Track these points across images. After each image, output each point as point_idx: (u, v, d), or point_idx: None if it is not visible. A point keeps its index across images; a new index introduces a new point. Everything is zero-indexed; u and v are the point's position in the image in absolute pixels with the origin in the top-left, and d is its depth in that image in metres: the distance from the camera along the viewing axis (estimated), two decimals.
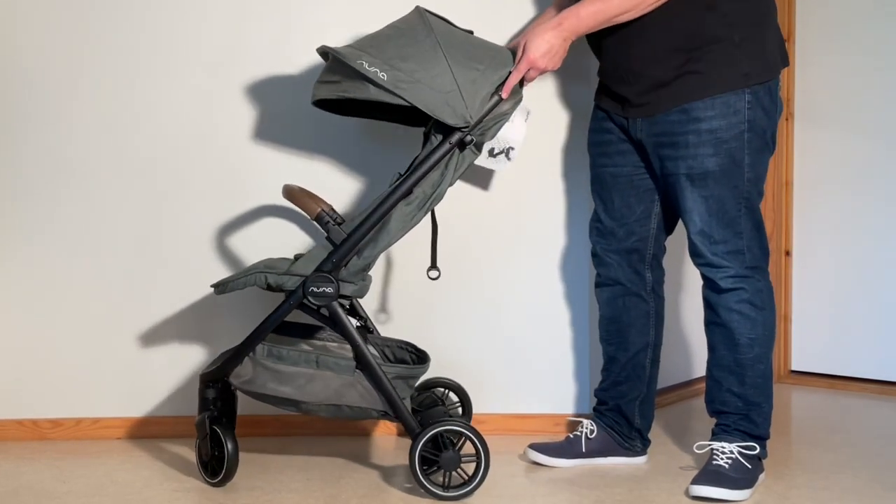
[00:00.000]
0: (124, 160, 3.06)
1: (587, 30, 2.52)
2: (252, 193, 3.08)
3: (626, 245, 2.75)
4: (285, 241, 3.07)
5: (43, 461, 2.87)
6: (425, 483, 2.52)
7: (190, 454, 2.91)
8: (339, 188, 3.05)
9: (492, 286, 3.12)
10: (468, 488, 2.53)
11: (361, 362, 2.54)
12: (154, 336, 3.09)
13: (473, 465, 2.53)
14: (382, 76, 2.44)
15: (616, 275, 2.77)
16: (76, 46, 3.03)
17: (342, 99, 2.55)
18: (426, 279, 3.08)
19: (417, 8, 2.63)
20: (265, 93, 3.07)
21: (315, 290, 2.51)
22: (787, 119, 3.84)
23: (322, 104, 2.68)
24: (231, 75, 3.06)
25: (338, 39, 2.95)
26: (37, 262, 3.06)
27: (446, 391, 2.98)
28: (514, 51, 2.58)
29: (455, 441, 2.58)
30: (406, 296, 3.11)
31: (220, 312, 3.07)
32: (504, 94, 2.52)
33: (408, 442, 3.02)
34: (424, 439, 2.51)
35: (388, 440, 3.08)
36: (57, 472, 2.77)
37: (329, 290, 2.51)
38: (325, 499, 2.55)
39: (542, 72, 2.55)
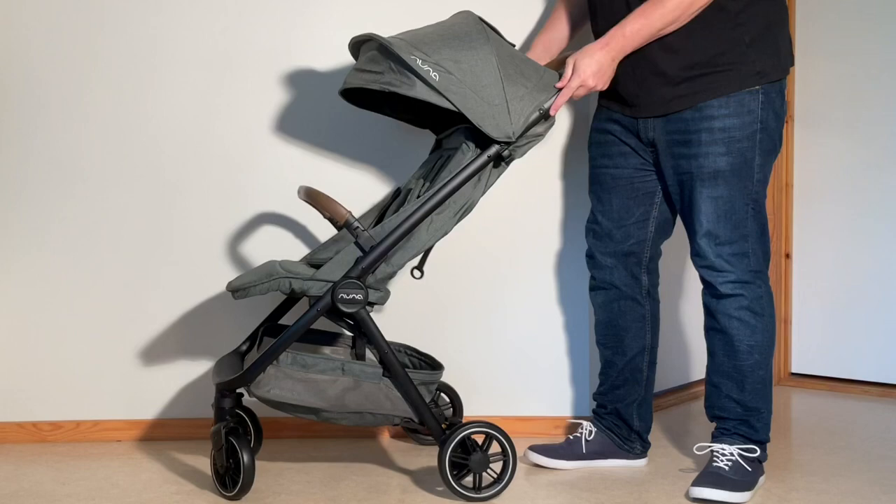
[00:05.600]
0: (126, 163, 3.06)
1: (633, 48, 2.51)
2: (256, 195, 3.08)
3: (622, 248, 2.75)
4: (288, 242, 3.08)
5: (43, 464, 2.87)
6: (457, 487, 2.51)
7: (190, 457, 2.91)
8: (342, 188, 3.05)
9: (491, 288, 3.12)
10: (499, 487, 2.54)
11: (389, 369, 2.51)
12: (155, 339, 3.09)
13: (501, 463, 2.54)
14: (434, 76, 2.41)
15: (611, 278, 2.77)
16: (78, 48, 3.04)
17: (382, 91, 2.51)
18: (424, 280, 3.08)
19: (471, 13, 2.60)
20: (268, 94, 3.07)
21: (345, 296, 2.47)
22: (787, 121, 3.85)
23: (346, 92, 2.65)
24: (234, 76, 3.06)
25: (339, 39, 2.95)
26: (38, 264, 3.06)
27: (437, 392, 2.98)
28: (559, 72, 2.57)
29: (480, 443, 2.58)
30: (405, 298, 3.11)
31: (220, 315, 3.08)
32: (553, 112, 2.51)
33: (406, 444, 3.03)
34: (454, 444, 2.51)
35: (386, 442, 3.08)
36: (57, 475, 2.77)
37: (359, 296, 2.47)
38: (324, 501, 2.54)
39: (591, 90, 2.54)
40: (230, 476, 2.53)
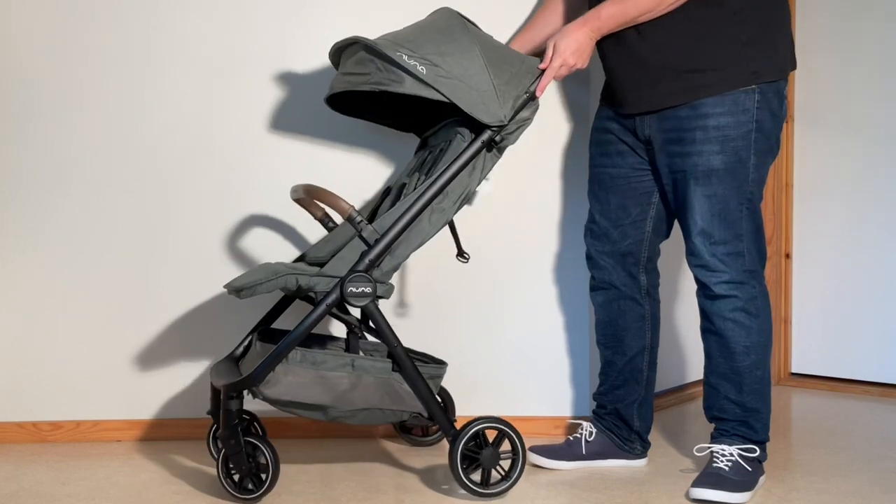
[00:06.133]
0: (125, 162, 3.06)
1: (609, 30, 2.56)
2: (254, 196, 3.08)
3: (620, 248, 2.75)
4: (286, 243, 3.08)
5: (43, 464, 2.87)
6: (466, 482, 2.50)
7: (189, 457, 2.91)
8: (338, 188, 3.05)
9: (491, 288, 3.12)
10: (506, 485, 2.53)
11: (399, 363, 2.50)
12: (154, 339, 3.09)
13: (510, 461, 2.54)
14: (422, 70, 2.44)
15: (610, 278, 2.77)
16: (73, 48, 3.03)
17: (372, 91, 2.53)
18: (424, 281, 3.09)
19: (448, 8, 2.64)
20: (268, 93, 3.07)
21: (353, 290, 2.46)
22: (787, 121, 3.84)
23: (331, 99, 2.67)
24: (234, 76, 3.06)
25: (334, 39, 2.94)
26: (37, 264, 3.06)
27: None
28: (539, 56, 2.60)
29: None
30: (404, 298, 3.11)
31: (220, 315, 3.07)
32: (539, 93, 2.55)
33: (405, 445, 3.03)
34: (467, 437, 2.50)
35: (386, 443, 3.07)
36: (57, 475, 2.77)
37: (368, 289, 2.47)
38: (325, 501, 2.54)
39: (572, 69, 2.58)
40: (253, 477, 2.50)
